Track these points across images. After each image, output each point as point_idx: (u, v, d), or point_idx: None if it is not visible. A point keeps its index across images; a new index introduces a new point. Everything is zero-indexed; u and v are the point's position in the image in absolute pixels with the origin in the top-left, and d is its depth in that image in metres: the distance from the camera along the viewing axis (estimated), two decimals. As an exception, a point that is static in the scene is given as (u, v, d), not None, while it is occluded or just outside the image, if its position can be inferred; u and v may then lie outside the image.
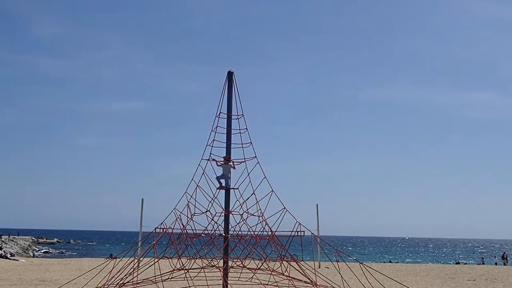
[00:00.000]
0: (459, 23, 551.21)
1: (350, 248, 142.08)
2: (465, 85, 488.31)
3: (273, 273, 19.41)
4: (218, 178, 18.93)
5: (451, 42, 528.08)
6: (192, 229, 19.12)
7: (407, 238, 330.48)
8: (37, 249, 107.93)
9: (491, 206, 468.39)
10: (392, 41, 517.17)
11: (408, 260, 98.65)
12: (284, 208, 18.98)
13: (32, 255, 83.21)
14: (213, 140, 19.31)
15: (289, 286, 19.41)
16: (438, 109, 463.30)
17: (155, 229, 18.80)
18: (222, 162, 18.92)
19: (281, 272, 19.55)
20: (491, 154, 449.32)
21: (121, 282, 18.58)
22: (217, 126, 19.30)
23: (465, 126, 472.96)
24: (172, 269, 19.11)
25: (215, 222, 19.27)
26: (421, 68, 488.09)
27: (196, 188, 19.26)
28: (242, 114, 19.50)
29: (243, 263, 19.81)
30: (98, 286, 20.00)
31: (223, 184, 18.86)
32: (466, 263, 68.38)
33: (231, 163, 18.94)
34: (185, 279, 18.16)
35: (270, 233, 18.98)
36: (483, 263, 71.32)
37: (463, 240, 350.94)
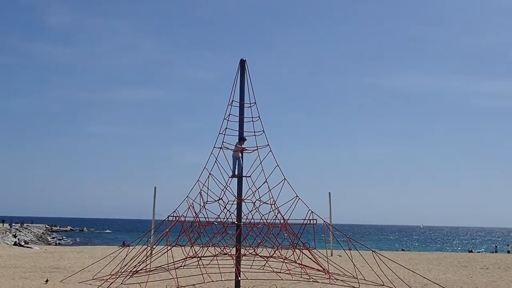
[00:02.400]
0: (470, 10, 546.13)
1: (365, 236, 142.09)
2: (476, 73, 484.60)
3: (285, 261, 19.44)
4: (234, 159, 18.95)
5: (462, 29, 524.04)
6: (205, 217, 19.17)
7: (421, 226, 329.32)
8: (53, 237, 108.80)
9: (504, 194, 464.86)
10: (403, 28, 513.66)
11: (421, 248, 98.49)
12: (297, 196, 18.97)
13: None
14: (226, 128, 19.30)
15: (301, 274, 19.44)
16: (452, 96, 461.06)
17: (167, 217, 18.88)
18: (238, 144, 18.92)
19: (293, 260, 19.57)
20: (502, 142, 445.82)
21: (134, 269, 18.70)
22: (229, 114, 19.28)
23: (477, 113, 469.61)
24: (185, 257, 19.19)
25: (228, 210, 19.31)
26: (432, 55, 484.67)
27: (208, 176, 19.29)
28: (255, 103, 19.47)
29: (256, 251, 19.85)
30: (112, 273, 20.14)
31: (237, 169, 18.87)
32: (479, 252, 68.13)
33: (241, 144, 18.93)
34: (198, 267, 18.23)
35: (282, 221, 18.99)
36: (496, 252, 71.08)
37: (477, 228, 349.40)
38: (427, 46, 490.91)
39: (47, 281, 20.71)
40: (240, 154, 18.97)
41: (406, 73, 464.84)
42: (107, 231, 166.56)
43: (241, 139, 19.03)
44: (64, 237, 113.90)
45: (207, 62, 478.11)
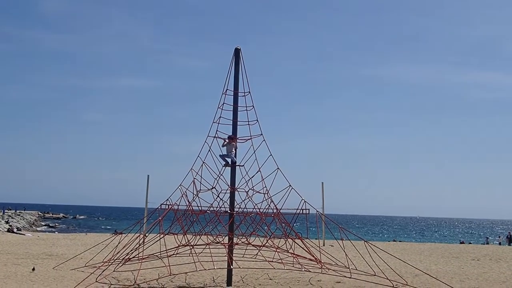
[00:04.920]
0: (468, 2, 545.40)
1: (358, 227, 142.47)
2: (473, 64, 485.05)
3: (278, 250, 19.51)
4: (222, 157, 18.87)
5: (459, 21, 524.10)
6: (198, 206, 19.20)
7: (417, 218, 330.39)
8: (45, 224, 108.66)
9: (500, 186, 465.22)
10: (401, 19, 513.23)
11: (413, 238, 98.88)
12: (290, 185, 19.01)
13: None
14: (220, 117, 19.27)
15: (293, 263, 19.51)
16: (449, 88, 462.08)
17: (160, 205, 18.89)
18: (226, 142, 18.84)
19: (286, 249, 19.65)
20: (499, 133, 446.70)
21: (126, 257, 18.72)
22: (223, 103, 19.26)
23: (473, 106, 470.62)
24: (177, 245, 19.23)
25: (221, 199, 19.35)
26: (429, 47, 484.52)
27: (202, 165, 19.29)
28: (249, 92, 19.44)
29: (248, 240, 19.91)
30: (104, 261, 20.16)
31: (229, 162, 18.82)
32: (470, 243, 68.44)
33: (233, 143, 18.84)
34: (190, 255, 18.27)
35: (275, 210, 19.03)
36: (487, 243, 71.45)
37: (473, 219, 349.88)
38: (424, 37, 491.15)
39: (33, 269, 20.41)
40: (234, 151, 18.84)
41: (403, 64, 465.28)
42: (100, 218, 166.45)
43: (230, 137, 18.87)
44: (56, 224, 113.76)
45: (201, 51, 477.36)
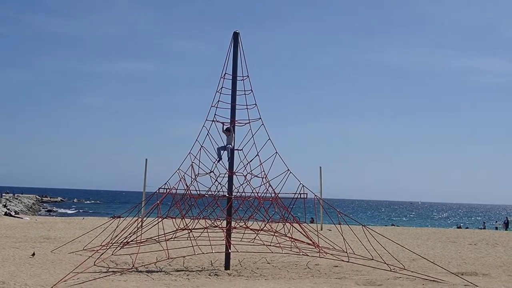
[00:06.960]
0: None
1: (356, 211, 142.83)
2: (474, 50, 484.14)
3: (275, 234, 19.54)
4: (219, 149, 18.86)
5: (459, 5, 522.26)
6: (196, 190, 19.19)
7: (419, 203, 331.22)
8: (43, 207, 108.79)
9: (501, 172, 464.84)
10: (401, 4, 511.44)
11: (412, 223, 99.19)
12: (288, 170, 19.01)
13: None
14: (218, 101, 19.22)
15: (291, 248, 19.55)
16: (449, 73, 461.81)
17: (158, 189, 18.86)
18: (227, 133, 18.81)
19: (283, 233, 19.68)
20: (498, 119, 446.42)
21: (125, 241, 18.74)
22: (222, 87, 19.19)
23: (474, 91, 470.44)
24: (175, 229, 19.24)
25: (219, 183, 19.35)
26: (430, 32, 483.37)
27: (200, 148, 19.26)
28: (247, 76, 19.37)
29: (246, 224, 19.93)
30: (102, 244, 20.19)
31: (222, 157, 18.81)
32: (467, 228, 68.69)
33: (232, 133, 18.82)
34: (188, 239, 18.29)
35: (273, 194, 19.03)
36: (484, 228, 71.76)
37: (475, 205, 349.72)
38: (424, 22, 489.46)
39: (33, 254, 20.22)
40: (232, 144, 18.80)
41: (403, 49, 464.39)
42: (98, 202, 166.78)
43: (227, 129, 18.85)
44: (54, 207, 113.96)
45: (201, 34, 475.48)
